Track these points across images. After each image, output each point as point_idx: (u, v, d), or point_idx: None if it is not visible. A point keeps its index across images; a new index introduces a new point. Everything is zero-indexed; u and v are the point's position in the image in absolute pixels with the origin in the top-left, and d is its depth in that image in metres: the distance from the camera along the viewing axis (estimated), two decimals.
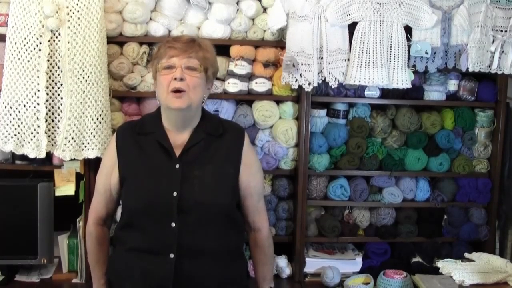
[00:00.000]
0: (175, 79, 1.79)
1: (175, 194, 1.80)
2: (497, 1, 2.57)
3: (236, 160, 1.91)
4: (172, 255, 1.80)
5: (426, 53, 2.51)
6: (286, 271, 2.72)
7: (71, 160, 2.44)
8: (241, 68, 2.58)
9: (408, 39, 2.51)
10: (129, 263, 1.86)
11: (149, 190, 1.83)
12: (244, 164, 1.92)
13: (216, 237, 1.85)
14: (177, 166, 1.84)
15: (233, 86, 2.60)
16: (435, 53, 2.57)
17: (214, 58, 1.92)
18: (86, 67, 2.37)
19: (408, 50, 2.52)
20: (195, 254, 1.82)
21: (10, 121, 2.37)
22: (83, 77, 2.37)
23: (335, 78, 2.53)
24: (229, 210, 1.90)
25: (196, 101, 1.85)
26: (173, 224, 1.80)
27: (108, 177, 1.93)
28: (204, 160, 1.87)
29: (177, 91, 1.80)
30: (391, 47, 2.49)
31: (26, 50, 2.34)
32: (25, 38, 2.34)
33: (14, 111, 2.37)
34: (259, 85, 2.63)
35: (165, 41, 1.88)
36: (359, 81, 2.48)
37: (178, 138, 1.89)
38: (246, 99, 2.68)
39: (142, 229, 1.83)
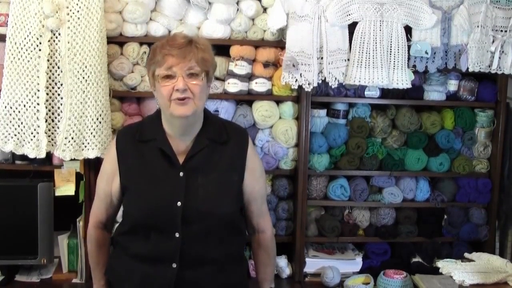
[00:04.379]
0: (177, 90, 1.71)
1: (179, 204, 1.76)
2: (497, 1, 2.57)
3: (240, 167, 1.87)
4: (174, 265, 1.77)
5: (426, 53, 2.51)
6: (286, 271, 2.72)
7: (71, 160, 2.44)
8: (241, 68, 2.58)
9: (408, 39, 2.51)
10: (129, 268, 1.84)
11: (153, 200, 1.78)
12: (248, 170, 1.88)
13: (218, 245, 1.82)
14: (181, 174, 1.79)
15: (233, 86, 2.60)
16: (435, 53, 2.57)
17: (212, 56, 1.81)
18: (86, 67, 2.37)
19: (408, 50, 2.52)
20: (197, 263, 1.80)
21: (10, 121, 2.37)
22: (83, 77, 2.37)
23: (335, 78, 2.53)
24: (233, 219, 1.87)
25: (200, 107, 1.79)
26: (177, 234, 1.76)
27: (109, 184, 1.89)
28: (208, 168, 1.82)
29: (181, 98, 1.73)
30: (391, 47, 2.49)
31: (26, 50, 2.34)
32: (25, 38, 2.34)
33: (14, 111, 2.37)
34: (259, 85, 2.62)
35: (159, 45, 1.76)
36: (359, 81, 2.49)
37: (181, 144, 1.83)
38: (246, 99, 2.68)
39: (145, 237, 1.80)
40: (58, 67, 2.38)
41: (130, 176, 1.84)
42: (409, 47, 2.52)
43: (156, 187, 1.79)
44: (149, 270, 1.80)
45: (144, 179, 1.81)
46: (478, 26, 2.55)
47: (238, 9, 2.56)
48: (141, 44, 2.56)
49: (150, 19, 2.55)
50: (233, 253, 1.90)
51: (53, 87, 2.40)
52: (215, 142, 1.84)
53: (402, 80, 2.53)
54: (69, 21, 2.35)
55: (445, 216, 2.84)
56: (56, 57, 2.38)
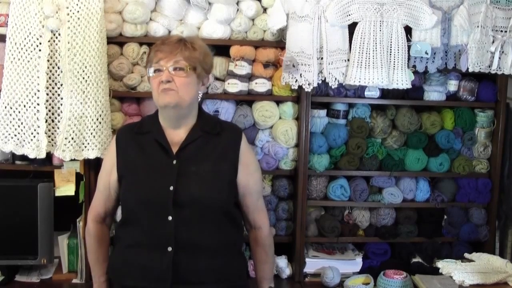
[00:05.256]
0: (162, 81, 1.83)
1: (171, 188, 1.83)
2: (497, 1, 2.57)
3: (233, 158, 1.93)
4: (170, 249, 1.82)
5: (426, 53, 2.51)
6: (286, 271, 2.72)
7: (71, 160, 2.44)
8: (241, 68, 2.58)
9: (408, 40, 2.50)
10: (128, 260, 1.89)
11: (146, 185, 1.86)
12: (242, 164, 1.94)
13: (213, 232, 1.88)
14: (174, 162, 1.87)
15: (233, 86, 2.60)
16: (435, 53, 2.56)
17: (202, 55, 1.90)
18: (86, 67, 2.37)
19: (408, 51, 2.52)
20: (192, 248, 1.84)
21: (10, 121, 2.37)
22: (83, 77, 2.37)
23: (335, 79, 2.53)
24: (226, 206, 1.92)
25: (186, 100, 1.87)
26: (170, 218, 1.82)
27: (107, 176, 1.97)
28: (201, 157, 1.90)
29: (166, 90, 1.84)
30: (391, 47, 2.49)
31: (26, 50, 2.34)
32: (25, 39, 2.34)
33: (14, 111, 2.37)
34: (259, 86, 2.63)
35: (154, 45, 1.91)
36: (359, 82, 2.48)
37: (175, 136, 1.92)
38: (246, 99, 2.68)
39: (140, 224, 1.87)
40: (58, 67, 2.38)
41: (127, 165, 1.93)
42: (409, 47, 2.51)
43: (150, 174, 1.88)
44: (147, 259, 1.85)
45: (139, 167, 1.91)
46: (478, 26, 2.54)
47: (238, 9, 2.56)
48: (141, 44, 2.56)
49: (150, 19, 2.55)
50: (228, 243, 1.94)
51: (53, 87, 2.40)
52: (208, 134, 1.93)
53: (402, 80, 2.52)
54: (69, 21, 2.35)
55: (445, 216, 2.84)
56: (56, 57, 2.38)
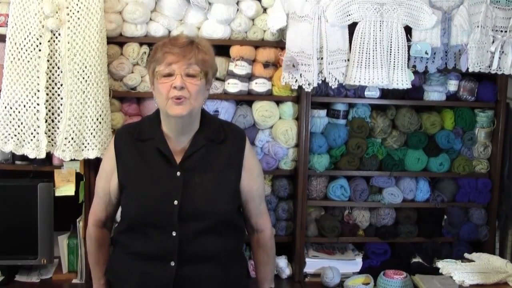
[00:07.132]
0: (175, 87, 1.72)
1: (176, 202, 1.77)
2: (497, 1, 2.57)
3: (237, 166, 1.88)
4: (173, 263, 1.78)
5: (426, 53, 2.51)
6: (286, 271, 2.72)
7: (71, 160, 2.44)
8: (241, 68, 2.58)
9: (408, 40, 2.51)
10: (129, 266, 1.85)
11: (150, 198, 1.80)
12: (245, 169, 1.89)
13: (216, 242, 1.83)
14: (178, 173, 1.81)
15: (233, 86, 2.60)
16: (435, 53, 2.57)
17: (213, 58, 1.83)
18: (86, 67, 2.37)
19: (408, 51, 2.52)
20: (196, 260, 1.81)
21: (10, 121, 2.37)
22: (83, 78, 2.37)
23: (335, 79, 2.53)
24: (230, 216, 1.88)
25: (197, 107, 1.80)
26: (174, 233, 1.78)
27: (107, 182, 1.90)
28: (205, 167, 1.83)
29: (178, 98, 1.74)
30: (391, 47, 2.49)
31: (26, 50, 2.34)
32: (25, 39, 2.34)
33: (14, 111, 2.37)
34: (259, 86, 2.62)
35: (161, 44, 1.79)
36: (359, 82, 2.49)
37: (178, 144, 1.84)
38: (246, 99, 2.68)
39: (143, 235, 1.81)
40: (58, 68, 2.38)
41: (128, 174, 1.85)
42: (409, 47, 2.51)
43: (153, 186, 1.81)
44: (148, 269, 1.81)
45: (141, 178, 1.83)
46: (478, 26, 2.55)
47: (238, 9, 2.56)
48: (141, 44, 2.56)
49: (150, 19, 2.55)
50: (231, 249, 1.91)
51: (53, 88, 2.40)
52: (212, 142, 1.86)
53: (402, 80, 2.52)
54: (69, 21, 2.35)
55: (445, 216, 2.84)
56: (56, 57, 2.38)
